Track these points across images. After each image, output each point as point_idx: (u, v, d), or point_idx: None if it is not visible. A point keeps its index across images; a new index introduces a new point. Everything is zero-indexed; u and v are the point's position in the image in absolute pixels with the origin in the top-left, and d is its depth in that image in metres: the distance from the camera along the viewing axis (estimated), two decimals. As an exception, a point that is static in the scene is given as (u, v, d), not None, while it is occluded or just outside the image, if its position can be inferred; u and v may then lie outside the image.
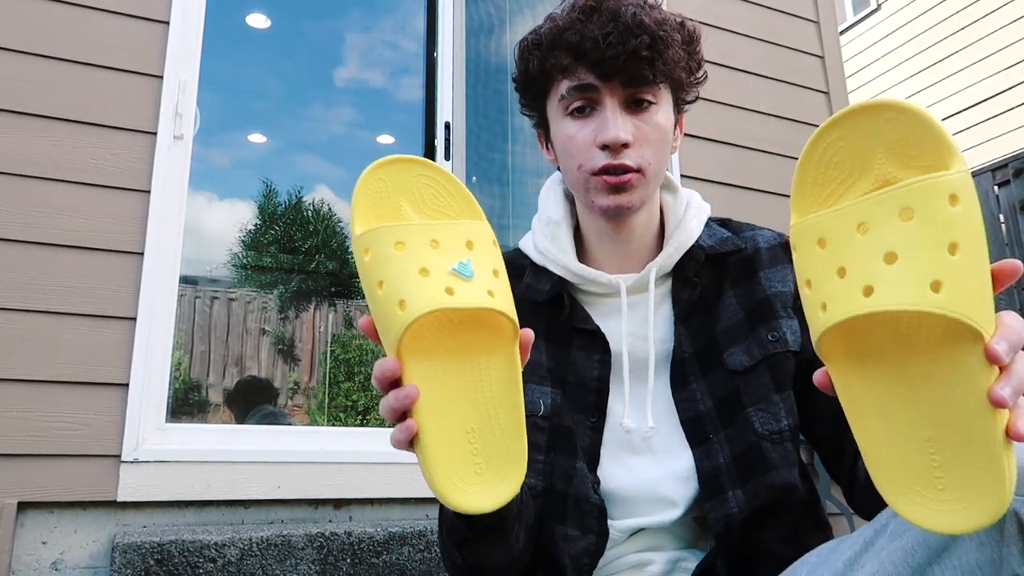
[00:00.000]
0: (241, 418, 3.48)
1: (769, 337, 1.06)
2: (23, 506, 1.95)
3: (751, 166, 3.23)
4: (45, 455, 1.98)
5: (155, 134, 2.27)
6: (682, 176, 3.01)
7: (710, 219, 1.17)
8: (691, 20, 1.08)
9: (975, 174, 4.03)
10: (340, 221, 4.29)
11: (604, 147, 1.01)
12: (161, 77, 2.32)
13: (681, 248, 1.10)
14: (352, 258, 4.38)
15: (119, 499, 2.02)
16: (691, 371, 1.07)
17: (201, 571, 1.90)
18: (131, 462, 2.06)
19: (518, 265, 1.18)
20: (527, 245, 1.18)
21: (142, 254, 2.18)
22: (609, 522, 1.03)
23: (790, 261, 1.14)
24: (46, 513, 1.98)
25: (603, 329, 1.10)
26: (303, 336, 4.00)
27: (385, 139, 3.92)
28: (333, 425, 3.73)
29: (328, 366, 3.88)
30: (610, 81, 1.01)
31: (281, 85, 3.86)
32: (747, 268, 1.13)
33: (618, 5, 1.01)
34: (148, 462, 2.08)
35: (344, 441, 2.44)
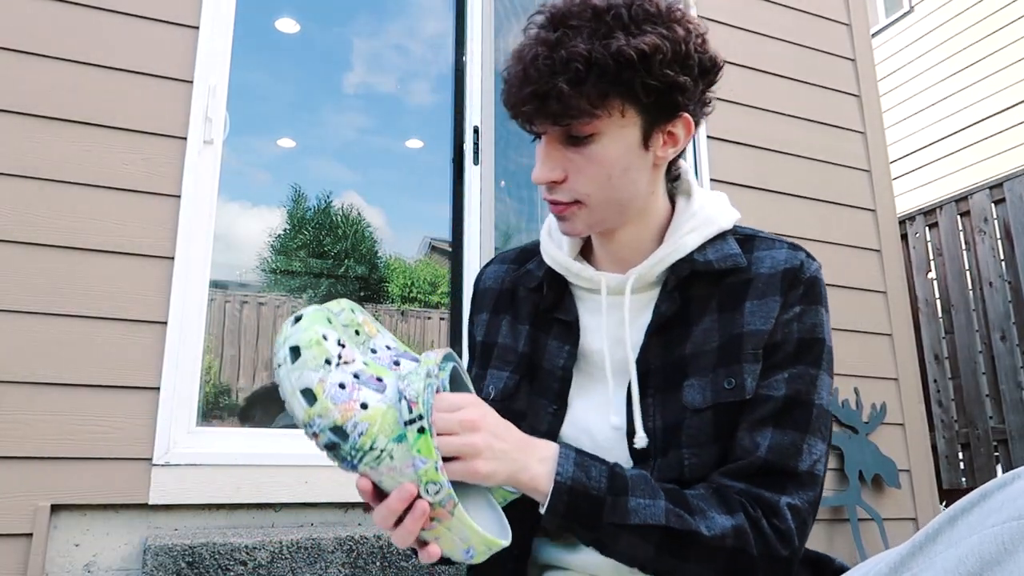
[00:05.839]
0: (271, 421, 3.50)
1: (726, 385, 1.03)
2: (56, 508, 1.97)
3: (781, 170, 3.20)
4: (78, 458, 2.00)
5: (185, 139, 2.29)
6: (712, 180, 2.98)
7: (735, 229, 1.14)
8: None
9: (1009, 177, 3.96)
10: (369, 226, 4.30)
11: None
12: (191, 82, 2.34)
13: (666, 260, 1.08)
14: (380, 262, 4.41)
15: (151, 502, 2.04)
16: (651, 384, 1.06)
17: (232, 574, 1.90)
18: (162, 465, 2.07)
19: (530, 254, 1.26)
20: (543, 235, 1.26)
21: (173, 259, 2.20)
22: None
23: (783, 292, 1.06)
24: (79, 515, 2.00)
25: (586, 323, 1.13)
26: (332, 340, 4.00)
27: (414, 143, 3.93)
28: (361, 429, 3.73)
29: (356, 370, 3.88)
30: (538, 127, 1.02)
31: (309, 90, 3.89)
32: (739, 294, 1.08)
33: (527, 52, 0.97)
34: (179, 465, 2.09)
35: (372, 445, 2.44)
